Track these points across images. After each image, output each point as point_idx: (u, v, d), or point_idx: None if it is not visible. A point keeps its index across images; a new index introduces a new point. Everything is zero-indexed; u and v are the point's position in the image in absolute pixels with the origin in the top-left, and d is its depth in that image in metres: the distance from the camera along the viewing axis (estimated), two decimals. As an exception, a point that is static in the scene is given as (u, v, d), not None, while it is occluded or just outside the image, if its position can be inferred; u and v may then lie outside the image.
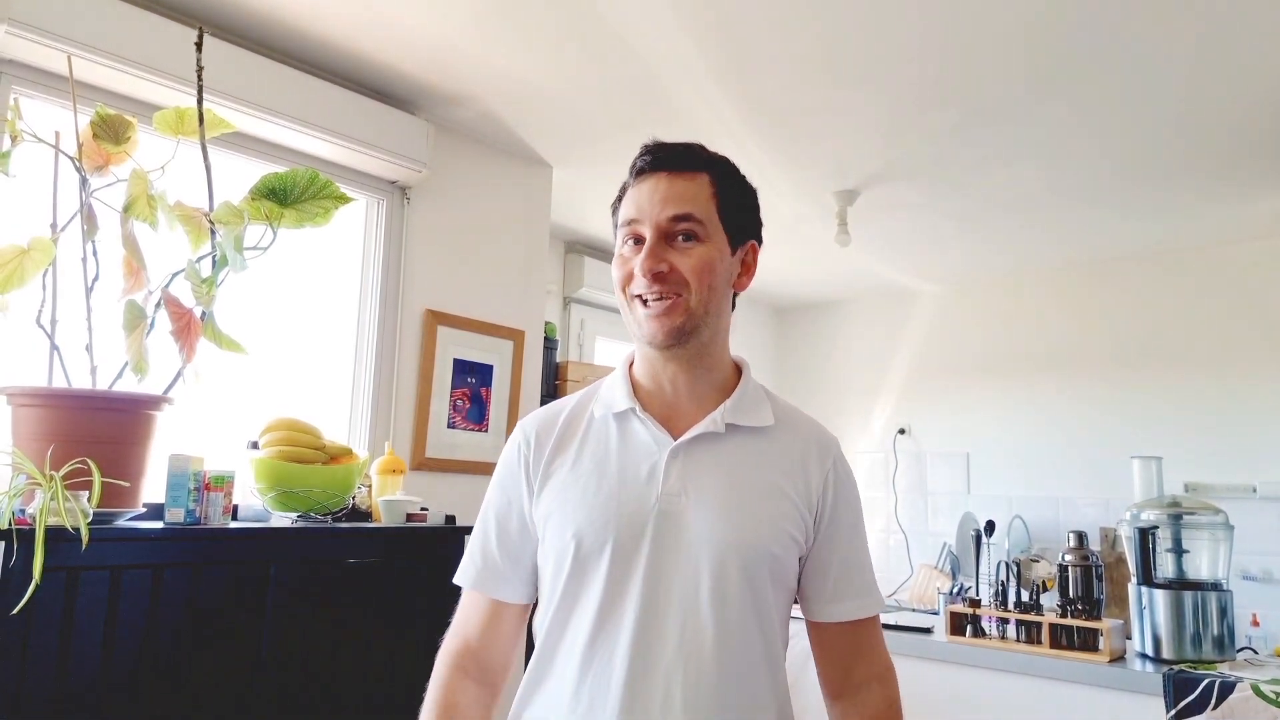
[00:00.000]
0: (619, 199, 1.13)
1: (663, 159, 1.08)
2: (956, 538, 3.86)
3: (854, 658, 1.13)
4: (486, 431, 2.75)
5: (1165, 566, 2.24)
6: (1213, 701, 1.86)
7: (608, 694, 0.99)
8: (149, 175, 1.75)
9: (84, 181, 1.72)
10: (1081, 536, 2.33)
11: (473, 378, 2.73)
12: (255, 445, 1.96)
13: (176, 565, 1.61)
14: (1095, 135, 2.59)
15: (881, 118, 2.53)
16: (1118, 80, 2.25)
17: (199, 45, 1.82)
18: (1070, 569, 2.27)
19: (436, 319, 2.63)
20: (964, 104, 2.42)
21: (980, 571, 2.62)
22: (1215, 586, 2.18)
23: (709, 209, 1.07)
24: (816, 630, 1.14)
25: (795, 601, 1.14)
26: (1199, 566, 2.22)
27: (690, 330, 1.06)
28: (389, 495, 2.12)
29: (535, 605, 1.13)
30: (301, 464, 1.91)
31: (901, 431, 4.38)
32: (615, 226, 1.13)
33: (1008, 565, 2.39)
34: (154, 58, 1.93)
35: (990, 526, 3.15)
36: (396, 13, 2.07)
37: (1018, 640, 2.28)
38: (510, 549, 1.13)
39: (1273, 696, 1.81)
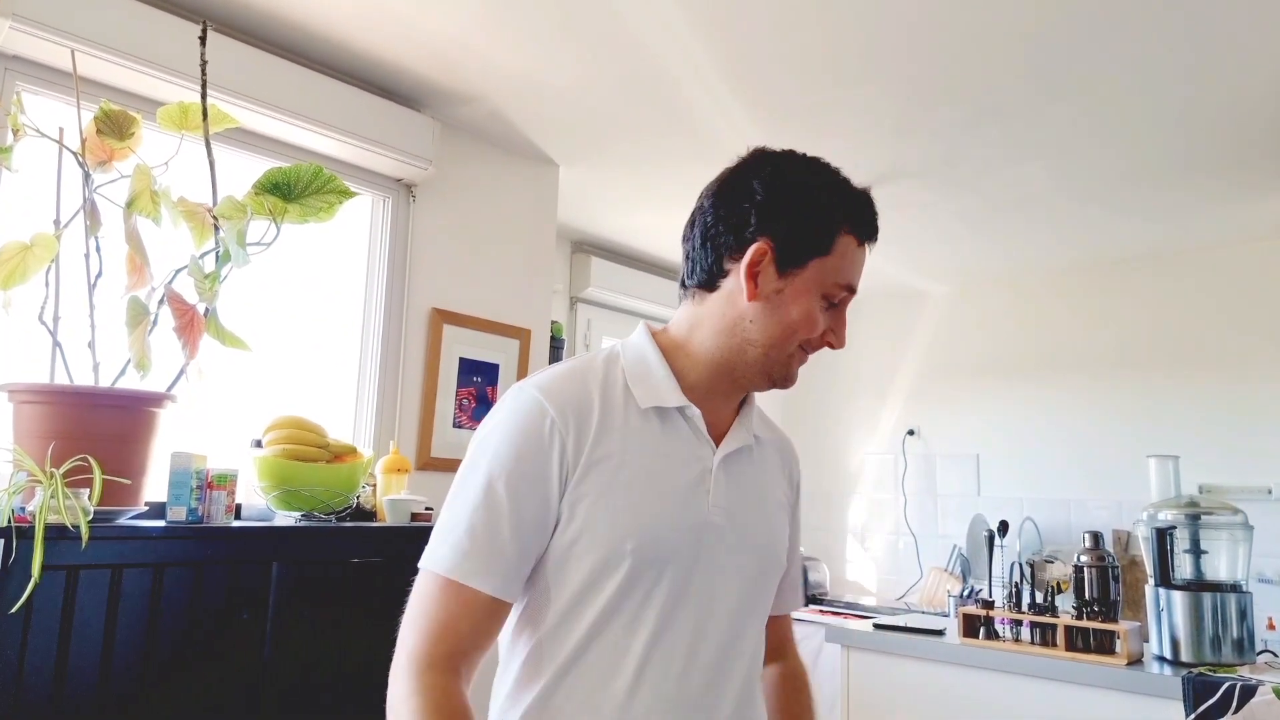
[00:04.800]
0: (827, 235, 1.02)
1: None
2: (967, 540, 3.82)
3: (784, 647, 1.22)
4: (493, 431, 2.72)
5: (1183, 568, 2.20)
6: (1234, 705, 1.82)
7: (666, 709, 0.95)
8: (152, 171, 1.73)
9: (87, 177, 1.70)
10: (1097, 537, 2.30)
11: (478, 377, 2.71)
12: (259, 443, 1.94)
13: (178, 564, 1.59)
14: (1104, 134, 2.56)
15: (889, 116, 2.50)
16: (1125, 79, 2.23)
17: (203, 40, 1.81)
18: (1086, 570, 2.23)
19: (442, 317, 2.61)
20: (971, 103, 2.40)
21: (993, 573, 2.59)
22: (1234, 588, 2.14)
23: None
24: None
25: None
26: (1217, 568, 2.18)
27: None
28: (394, 494, 2.10)
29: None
30: (305, 462, 1.89)
31: (910, 433, 4.35)
32: (802, 260, 1.03)
33: (1021, 567, 2.36)
34: (158, 53, 1.92)
35: (1004, 528, 3.12)
36: (403, 9, 2.05)
37: (1032, 643, 2.25)
38: (524, 540, 0.96)
39: (1295, 700, 1.77)
